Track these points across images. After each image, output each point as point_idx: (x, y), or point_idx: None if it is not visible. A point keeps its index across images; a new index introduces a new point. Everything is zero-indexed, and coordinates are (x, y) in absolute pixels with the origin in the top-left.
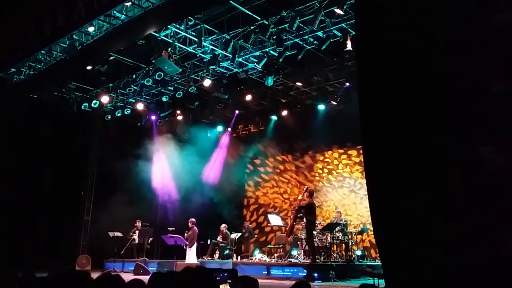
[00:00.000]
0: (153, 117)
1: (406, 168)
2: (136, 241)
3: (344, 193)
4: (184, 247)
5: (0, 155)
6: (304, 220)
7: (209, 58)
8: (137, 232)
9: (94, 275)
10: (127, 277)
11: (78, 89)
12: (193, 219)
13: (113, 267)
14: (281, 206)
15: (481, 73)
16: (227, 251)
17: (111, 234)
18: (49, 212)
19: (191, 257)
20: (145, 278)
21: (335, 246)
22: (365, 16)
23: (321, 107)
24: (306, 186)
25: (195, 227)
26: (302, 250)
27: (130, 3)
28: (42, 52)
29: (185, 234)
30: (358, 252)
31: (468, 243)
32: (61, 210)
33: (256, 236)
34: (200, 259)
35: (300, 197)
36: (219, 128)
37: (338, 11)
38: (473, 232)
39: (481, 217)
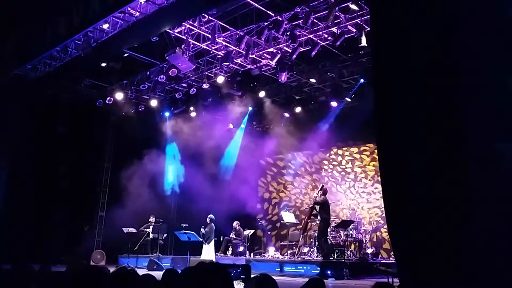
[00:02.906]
0: (167, 114)
1: (422, 165)
2: (150, 237)
3: (357, 191)
4: (204, 243)
5: (17, 151)
6: (319, 217)
7: (222, 54)
8: (151, 227)
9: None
10: (141, 272)
11: (93, 86)
12: (211, 216)
13: (127, 262)
14: (302, 203)
15: (499, 69)
16: (240, 248)
17: (125, 230)
18: (64, 207)
19: (209, 253)
20: (159, 274)
21: (349, 243)
22: (380, 12)
23: (334, 103)
24: (321, 184)
25: (212, 224)
26: (315, 247)
27: (144, 0)
28: (57, 49)
29: (202, 230)
30: (372, 250)
31: (485, 242)
32: (76, 206)
33: (269, 233)
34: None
35: (315, 194)
36: (233, 124)
37: (353, 6)
38: (490, 231)
39: (498, 215)
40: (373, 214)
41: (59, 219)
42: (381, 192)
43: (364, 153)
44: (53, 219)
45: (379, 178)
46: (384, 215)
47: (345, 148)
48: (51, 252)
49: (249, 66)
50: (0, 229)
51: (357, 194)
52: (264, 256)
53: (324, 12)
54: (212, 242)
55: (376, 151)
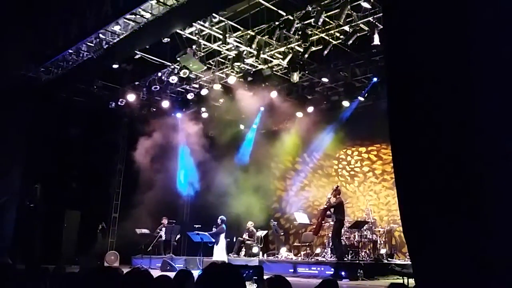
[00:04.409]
0: (179, 115)
1: (436, 165)
2: (163, 238)
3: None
4: (210, 244)
5: (30, 153)
6: (334, 218)
7: (233, 55)
8: (163, 229)
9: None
10: (154, 273)
11: (105, 88)
12: (222, 217)
13: (140, 263)
14: (317, 203)
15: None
16: (255, 249)
17: (138, 231)
18: (78, 209)
19: (220, 254)
20: (172, 275)
21: (363, 244)
22: (392, 9)
23: (346, 103)
24: (336, 185)
25: (223, 225)
26: (329, 248)
27: (155, 1)
28: (70, 51)
29: (214, 230)
30: (386, 251)
31: (501, 244)
32: (90, 207)
33: (282, 234)
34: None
35: (329, 195)
36: (245, 125)
37: (365, 4)
38: (504, 231)
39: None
40: (388, 213)
41: (73, 220)
42: (391, 192)
43: (371, 153)
44: (67, 220)
45: (386, 177)
46: (398, 215)
47: (353, 148)
48: (65, 253)
49: (260, 66)
50: (14, 231)
51: (367, 194)
52: (277, 257)
53: (336, 11)
54: (223, 243)
55: (382, 151)
